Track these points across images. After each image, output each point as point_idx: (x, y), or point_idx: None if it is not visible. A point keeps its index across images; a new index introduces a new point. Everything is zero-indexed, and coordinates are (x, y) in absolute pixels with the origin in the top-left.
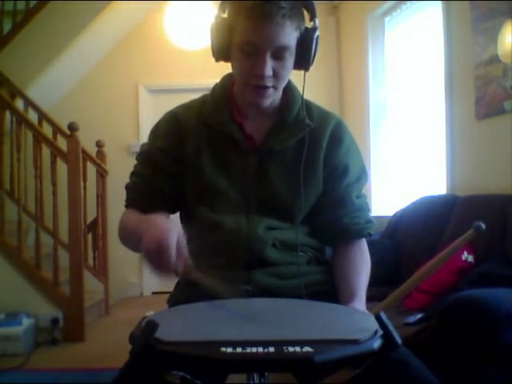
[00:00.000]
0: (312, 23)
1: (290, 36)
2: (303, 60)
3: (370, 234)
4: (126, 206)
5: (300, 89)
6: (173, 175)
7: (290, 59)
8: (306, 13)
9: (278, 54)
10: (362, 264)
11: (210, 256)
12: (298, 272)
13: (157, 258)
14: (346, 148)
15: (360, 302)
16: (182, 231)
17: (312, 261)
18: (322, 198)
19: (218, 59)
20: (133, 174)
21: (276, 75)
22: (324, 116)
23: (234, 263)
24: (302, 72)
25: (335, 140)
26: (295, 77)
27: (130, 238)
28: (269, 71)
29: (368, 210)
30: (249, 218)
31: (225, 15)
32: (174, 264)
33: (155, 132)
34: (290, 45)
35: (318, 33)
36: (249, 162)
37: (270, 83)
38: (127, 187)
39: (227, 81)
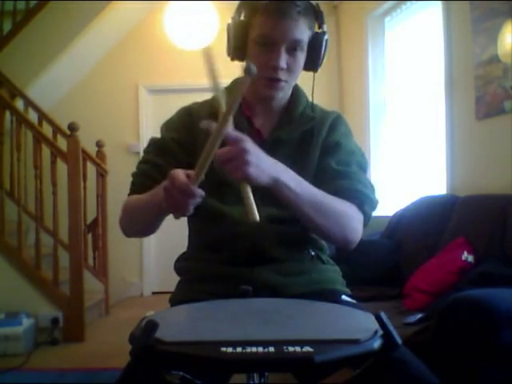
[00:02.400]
0: (320, 29)
1: (303, 32)
2: (313, 61)
3: (366, 212)
4: (131, 193)
5: (305, 90)
6: (184, 166)
7: (302, 56)
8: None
9: (292, 49)
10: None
11: (213, 251)
12: (301, 269)
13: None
14: (340, 133)
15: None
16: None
17: (314, 259)
18: (318, 176)
19: (233, 58)
20: (141, 162)
21: (289, 69)
22: (326, 113)
23: (238, 257)
24: (308, 74)
25: (332, 128)
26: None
27: (142, 212)
28: (283, 63)
29: (372, 187)
30: None
31: (241, 17)
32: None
33: (168, 125)
34: (303, 40)
35: (326, 37)
36: None
37: (283, 76)
38: (134, 174)
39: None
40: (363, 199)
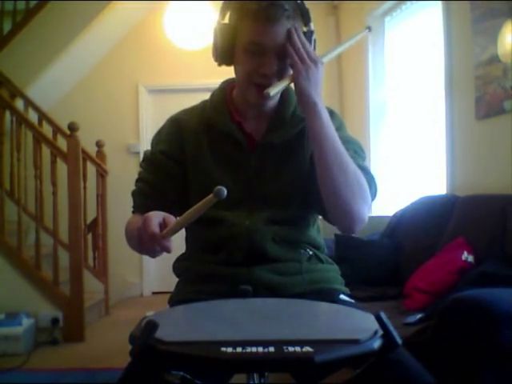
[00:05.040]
0: (307, 28)
1: None
2: None
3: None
4: (133, 211)
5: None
6: (177, 177)
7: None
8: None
9: (282, 54)
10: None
11: (211, 252)
12: (299, 269)
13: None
14: (334, 126)
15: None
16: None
17: (312, 258)
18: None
19: (221, 63)
20: (138, 180)
21: (278, 75)
22: None
23: (235, 258)
24: None
25: None
26: None
27: (132, 240)
28: (275, 71)
29: (369, 170)
30: (250, 212)
31: (226, 21)
32: (158, 245)
33: (158, 137)
34: None
35: (314, 36)
36: (249, 159)
37: (273, 82)
38: (133, 193)
39: (226, 86)
40: (370, 178)
